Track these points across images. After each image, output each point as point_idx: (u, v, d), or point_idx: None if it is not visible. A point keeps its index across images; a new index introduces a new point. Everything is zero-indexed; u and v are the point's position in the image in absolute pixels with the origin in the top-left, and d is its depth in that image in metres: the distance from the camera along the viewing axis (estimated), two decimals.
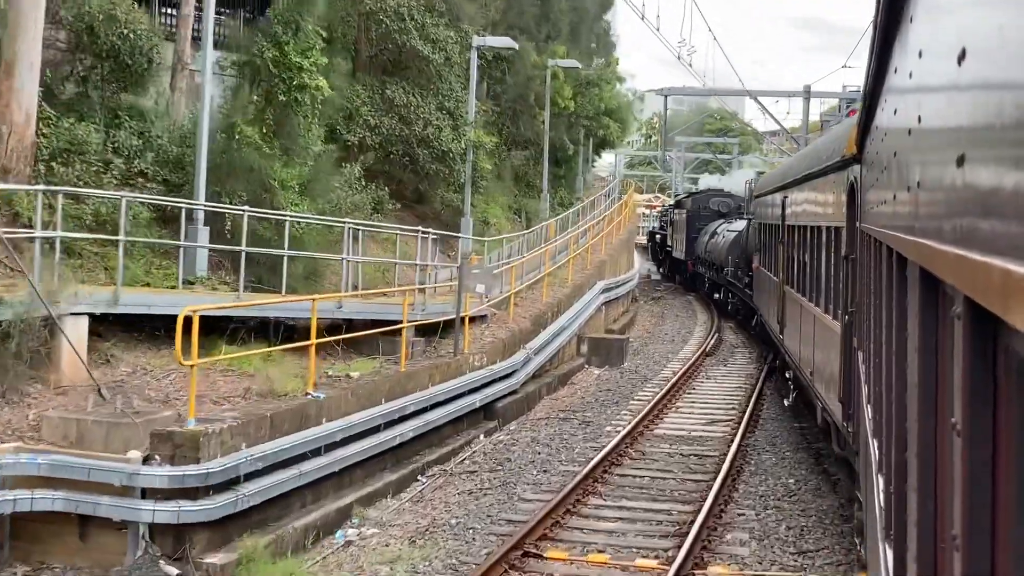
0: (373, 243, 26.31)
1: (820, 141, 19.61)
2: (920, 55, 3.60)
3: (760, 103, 46.94)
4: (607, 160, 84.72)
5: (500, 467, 18.12)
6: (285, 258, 19.48)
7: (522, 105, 43.90)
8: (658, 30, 42.81)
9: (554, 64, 42.14)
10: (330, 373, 17.58)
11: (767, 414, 23.68)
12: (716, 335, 38.59)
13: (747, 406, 23.96)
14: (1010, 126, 1.93)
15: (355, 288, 21.58)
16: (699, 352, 33.57)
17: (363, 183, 26.96)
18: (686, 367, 29.87)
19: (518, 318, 26.08)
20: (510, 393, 22.79)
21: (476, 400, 20.70)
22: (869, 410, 7.76)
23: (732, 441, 20.01)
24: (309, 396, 15.30)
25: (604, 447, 18.80)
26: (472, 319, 22.74)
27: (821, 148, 17.62)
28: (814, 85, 54.18)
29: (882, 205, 5.86)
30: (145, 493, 12.27)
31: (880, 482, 5.92)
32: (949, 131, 2.79)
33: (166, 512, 12.20)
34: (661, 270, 67.45)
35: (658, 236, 69.48)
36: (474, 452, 19.50)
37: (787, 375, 22.75)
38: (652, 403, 23.47)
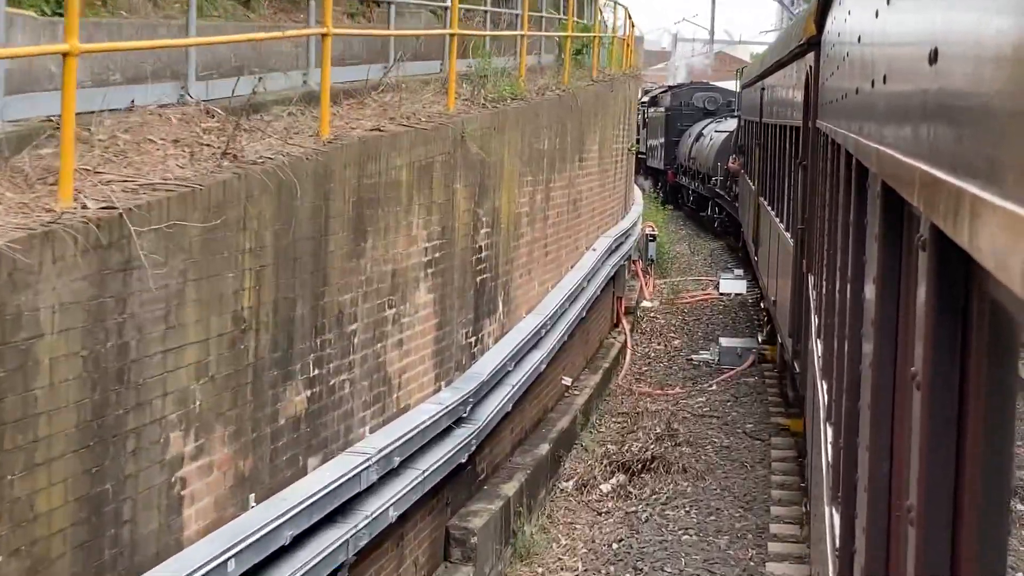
0: None
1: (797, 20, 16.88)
2: None
3: None
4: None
5: None
6: None
7: None
8: None
9: None
10: None
11: None
12: None
13: None
14: (990, 23, 1.72)
15: None
16: None
17: None
18: None
19: None
20: None
21: None
22: (819, 346, 7.55)
23: None
24: None
25: None
26: None
27: (792, 27, 15.77)
28: None
29: (842, 100, 5.54)
30: None
31: (829, 433, 5.74)
32: (924, 18, 2.49)
33: None
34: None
35: None
36: None
37: (762, 305, 21.50)
38: None
